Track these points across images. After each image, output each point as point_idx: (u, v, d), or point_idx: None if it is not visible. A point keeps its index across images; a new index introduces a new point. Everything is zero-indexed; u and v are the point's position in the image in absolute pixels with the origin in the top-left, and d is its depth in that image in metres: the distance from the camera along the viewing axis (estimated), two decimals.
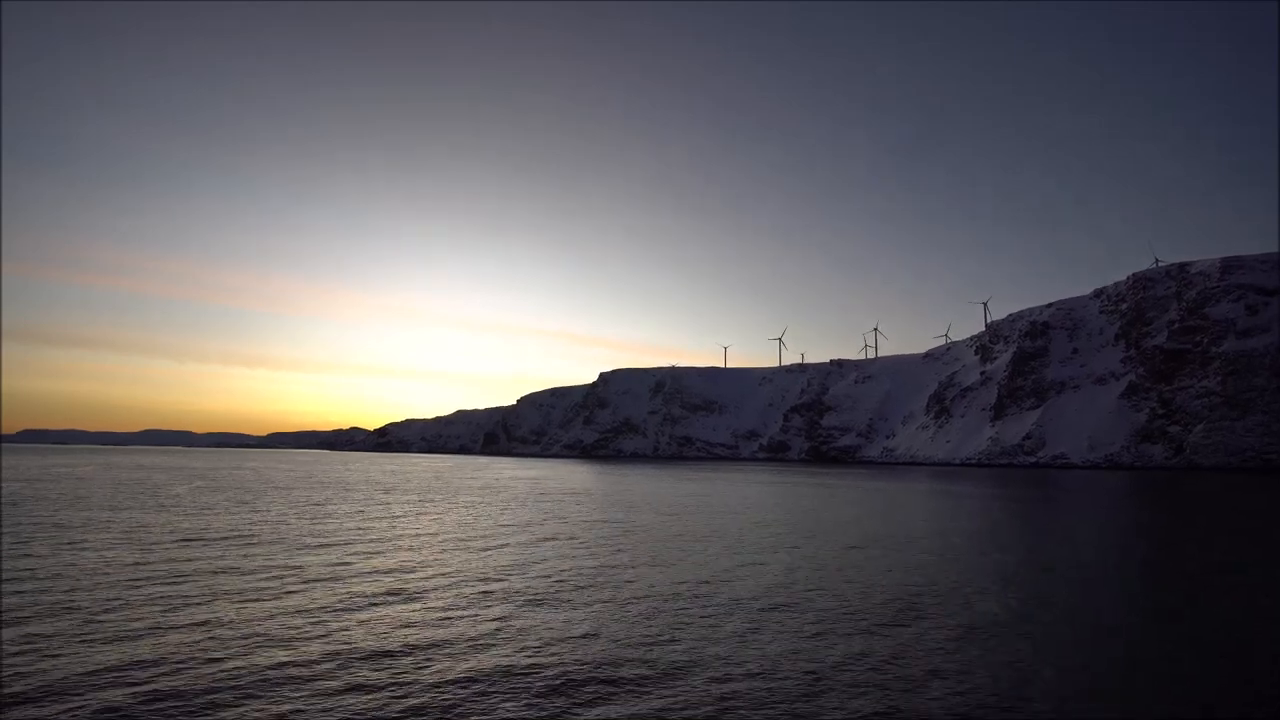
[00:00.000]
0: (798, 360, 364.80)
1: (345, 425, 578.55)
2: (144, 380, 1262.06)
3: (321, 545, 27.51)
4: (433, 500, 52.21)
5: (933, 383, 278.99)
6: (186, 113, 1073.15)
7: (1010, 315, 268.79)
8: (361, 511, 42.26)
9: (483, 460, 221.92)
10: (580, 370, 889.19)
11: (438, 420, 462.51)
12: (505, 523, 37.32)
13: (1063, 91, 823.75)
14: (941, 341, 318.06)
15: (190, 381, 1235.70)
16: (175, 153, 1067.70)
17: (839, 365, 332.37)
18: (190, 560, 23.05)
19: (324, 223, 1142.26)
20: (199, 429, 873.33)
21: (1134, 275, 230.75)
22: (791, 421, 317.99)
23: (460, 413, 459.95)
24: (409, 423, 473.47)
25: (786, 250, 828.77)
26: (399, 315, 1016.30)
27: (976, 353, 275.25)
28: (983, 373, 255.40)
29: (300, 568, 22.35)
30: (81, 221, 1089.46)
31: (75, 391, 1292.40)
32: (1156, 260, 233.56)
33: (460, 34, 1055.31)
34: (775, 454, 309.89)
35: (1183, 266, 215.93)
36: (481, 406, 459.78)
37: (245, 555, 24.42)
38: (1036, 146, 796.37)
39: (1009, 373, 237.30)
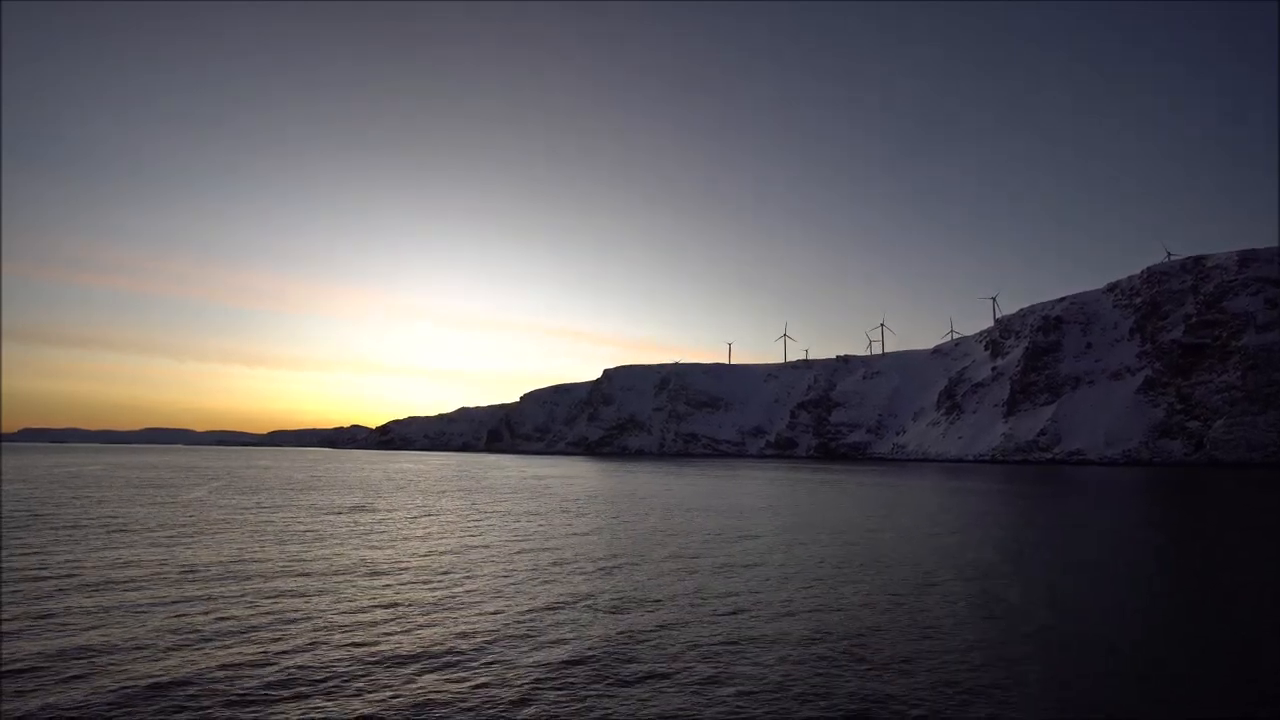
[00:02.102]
0: (802, 356, 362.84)
1: (346, 423, 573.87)
2: (143, 379, 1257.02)
3: (421, 567, 24.89)
4: (484, 501, 49.46)
5: (942, 378, 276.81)
6: (186, 112, 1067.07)
7: (1021, 310, 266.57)
8: (420, 517, 39.63)
9: (491, 458, 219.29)
10: (583, 367, 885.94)
11: (440, 418, 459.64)
12: (599, 531, 34.74)
13: (1064, 89, 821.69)
14: (948, 337, 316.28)
15: (190, 380, 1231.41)
16: (175, 152, 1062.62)
17: (845, 361, 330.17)
18: (288, 570, 20.50)
19: (324, 220, 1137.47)
20: (199, 427, 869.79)
21: (1148, 269, 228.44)
22: (799, 418, 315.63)
23: (463, 410, 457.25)
24: (411, 420, 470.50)
25: (789, 246, 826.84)
26: (400, 312, 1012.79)
27: (987, 348, 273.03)
28: (994, 368, 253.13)
29: (409, 585, 19.74)
30: (81, 221, 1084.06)
31: (75, 390, 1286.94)
32: (1169, 254, 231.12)
33: (463, 32, 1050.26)
34: (783, 451, 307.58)
35: (1198, 260, 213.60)
36: (484, 404, 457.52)
37: (330, 565, 21.86)
38: (1039, 144, 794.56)
39: (1022, 368, 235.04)
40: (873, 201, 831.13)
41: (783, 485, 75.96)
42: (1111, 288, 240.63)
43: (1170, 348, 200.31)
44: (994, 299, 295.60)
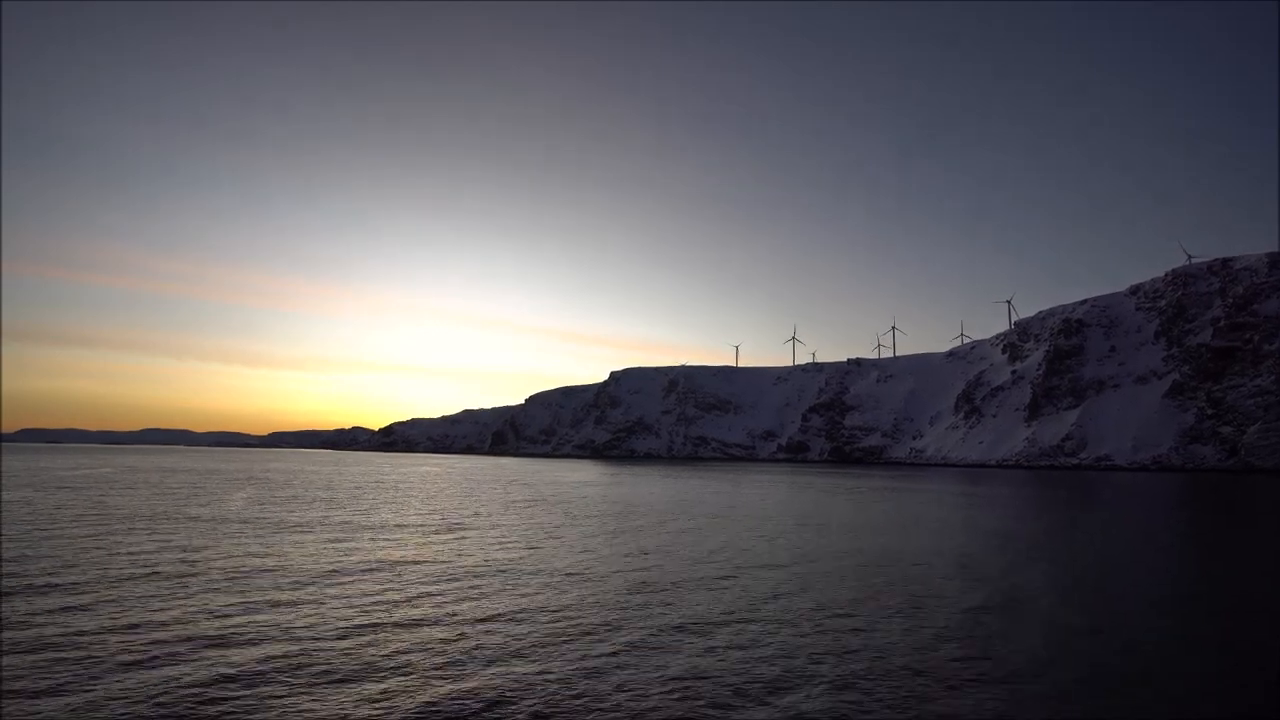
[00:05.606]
0: (810, 359, 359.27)
1: (347, 424, 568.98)
2: (143, 379, 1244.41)
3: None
4: (573, 510, 44.89)
5: (959, 382, 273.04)
6: (186, 110, 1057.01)
7: (1040, 313, 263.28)
8: (525, 537, 35.14)
9: (505, 462, 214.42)
10: (588, 369, 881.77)
11: (444, 419, 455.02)
12: (764, 560, 30.30)
13: (1070, 89, 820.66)
14: (960, 340, 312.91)
15: (190, 380, 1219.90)
16: (175, 151, 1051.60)
17: (857, 364, 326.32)
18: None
19: (326, 219, 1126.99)
20: (199, 428, 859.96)
21: (1172, 271, 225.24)
22: (810, 421, 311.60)
23: (467, 412, 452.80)
24: (414, 422, 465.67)
25: (797, 249, 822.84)
26: (402, 312, 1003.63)
27: (1004, 351, 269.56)
28: (1013, 372, 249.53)
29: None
30: (81, 220, 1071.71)
31: (74, 390, 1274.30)
32: (1189, 257, 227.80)
33: (466, 31, 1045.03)
34: (795, 454, 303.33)
35: (1225, 262, 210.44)
36: (488, 406, 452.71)
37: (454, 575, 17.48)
38: (1048, 145, 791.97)
39: (1043, 371, 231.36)
40: (881, 203, 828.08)
41: (834, 494, 71.67)
42: (1134, 290, 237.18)
43: (1199, 351, 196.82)
44: (1009, 302, 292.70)
